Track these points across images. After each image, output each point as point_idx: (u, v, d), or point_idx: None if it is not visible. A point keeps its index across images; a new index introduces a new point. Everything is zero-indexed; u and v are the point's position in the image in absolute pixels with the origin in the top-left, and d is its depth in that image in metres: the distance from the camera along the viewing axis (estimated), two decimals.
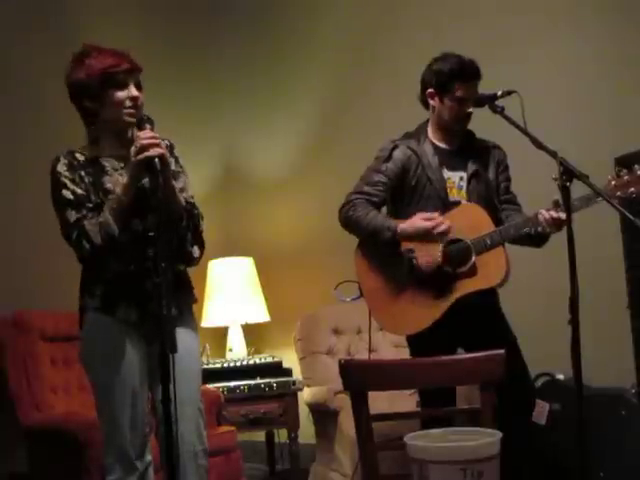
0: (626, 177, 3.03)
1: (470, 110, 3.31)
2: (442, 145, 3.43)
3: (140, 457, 2.75)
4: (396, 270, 3.34)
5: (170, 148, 2.84)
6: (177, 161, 2.87)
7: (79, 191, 2.68)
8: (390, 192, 3.42)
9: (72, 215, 2.66)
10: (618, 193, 3.03)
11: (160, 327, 2.45)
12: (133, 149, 2.61)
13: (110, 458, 2.75)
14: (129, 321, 2.71)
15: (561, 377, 3.71)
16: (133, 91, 2.72)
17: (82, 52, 2.76)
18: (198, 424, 2.79)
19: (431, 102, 3.40)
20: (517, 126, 2.89)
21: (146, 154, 2.57)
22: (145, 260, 2.65)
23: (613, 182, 3.05)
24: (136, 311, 2.72)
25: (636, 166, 3.02)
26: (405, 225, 3.29)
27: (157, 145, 2.59)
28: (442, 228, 3.26)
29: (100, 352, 2.73)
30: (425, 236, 3.27)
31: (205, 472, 2.82)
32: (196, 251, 2.82)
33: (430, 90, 3.38)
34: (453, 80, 3.30)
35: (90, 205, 2.68)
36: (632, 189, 3.02)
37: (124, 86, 2.71)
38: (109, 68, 2.69)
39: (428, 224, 3.26)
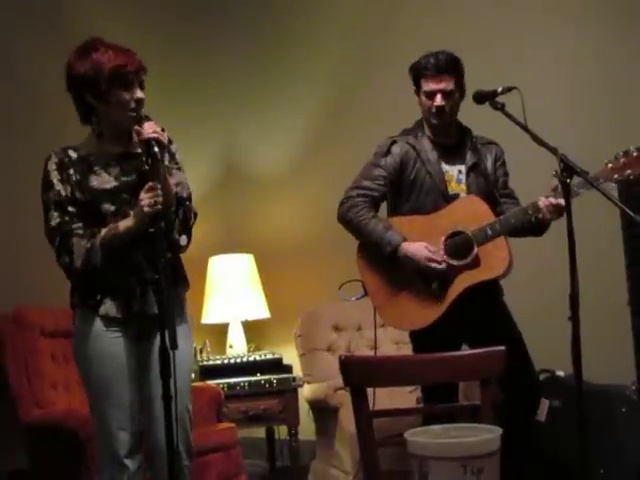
0: (622, 159, 3.05)
1: (437, 104, 3.33)
2: (439, 140, 3.44)
3: (131, 456, 2.72)
4: (399, 267, 3.33)
5: (167, 143, 2.84)
6: (173, 157, 2.86)
7: (64, 193, 2.70)
8: (389, 187, 3.43)
9: (54, 217, 2.69)
10: (615, 176, 3.05)
11: (160, 323, 2.45)
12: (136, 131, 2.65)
13: (101, 457, 2.75)
14: (114, 318, 2.71)
15: (561, 374, 3.71)
16: (138, 93, 2.72)
17: (88, 44, 2.73)
18: (184, 424, 2.75)
19: (417, 99, 3.46)
20: (518, 123, 2.89)
21: (148, 136, 2.60)
22: (134, 255, 2.69)
23: (610, 165, 3.06)
24: (120, 308, 2.71)
25: (631, 147, 3.04)
26: (408, 247, 3.29)
27: (159, 135, 2.62)
28: (439, 268, 3.26)
29: (88, 349, 2.73)
30: (419, 264, 3.27)
31: (189, 472, 2.77)
32: (183, 239, 2.80)
33: (414, 89, 3.45)
34: (418, 76, 3.39)
35: (74, 210, 2.69)
36: (629, 171, 3.04)
37: (130, 87, 2.70)
38: (119, 68, 2.67)
39: (429, 255, 3.26)
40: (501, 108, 3.00)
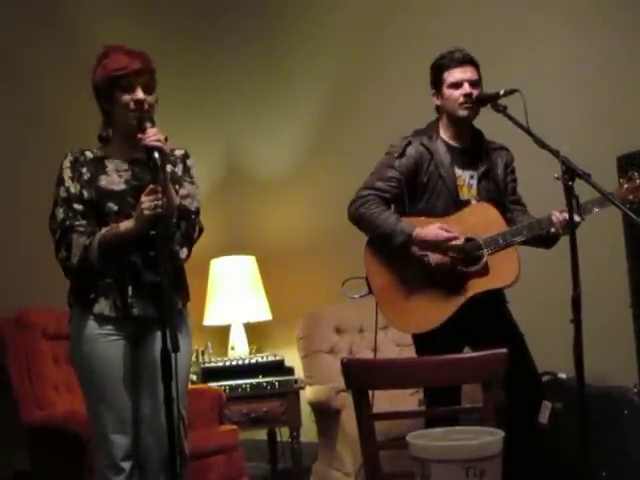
0: (638, 180, 3.05)
1: (468, 91, 3.27)
2: (453, 143, 3.41)
3: (127, 459, 2.73)
4: (407, 269, 3.32)
5: (183, 157, 2.89)
6: (187, 170, 2.88)
7: (73, 190, 2.75)
8: (401, 189, 3.41)
9: (59, 213, 2.74)
10: (631, 197, 3.05)
11: (162, 324, 2.45)
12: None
13: (98, 459, 2.75)
14: (108, 318, 2.71)
15: (563, 376, 3.72)
16: (138, 94, 2.73)
17: (103, 53, 2.81)
18: (178, 432, 2.68)
19: (437, 104, 3.40)
20: (520, 125, 2.89)
21: (151, 144, 2.61)
22: (133, 257, 2.69)
23: (625, 185, 3.06)
24: (114, 307, 2.72)
25: None
26: (421, 231, 3.26)
27: (160, 141, 2.63)
28: (457, 242, 3.24)
29: (83, 350, 2.74)
30: (438, 245, 3.25)
31: None
32: (183, 252, 2.80)
33: (432, 92, 3.40)
34: (442, 70, 3.34)
35: (80, 207, 2.73)
36: None
37: (130, 88, 2.73)
38: (117, 70, 2.72)
39: (446, 235, 3.23)
40: (503, 110, 3.00)
